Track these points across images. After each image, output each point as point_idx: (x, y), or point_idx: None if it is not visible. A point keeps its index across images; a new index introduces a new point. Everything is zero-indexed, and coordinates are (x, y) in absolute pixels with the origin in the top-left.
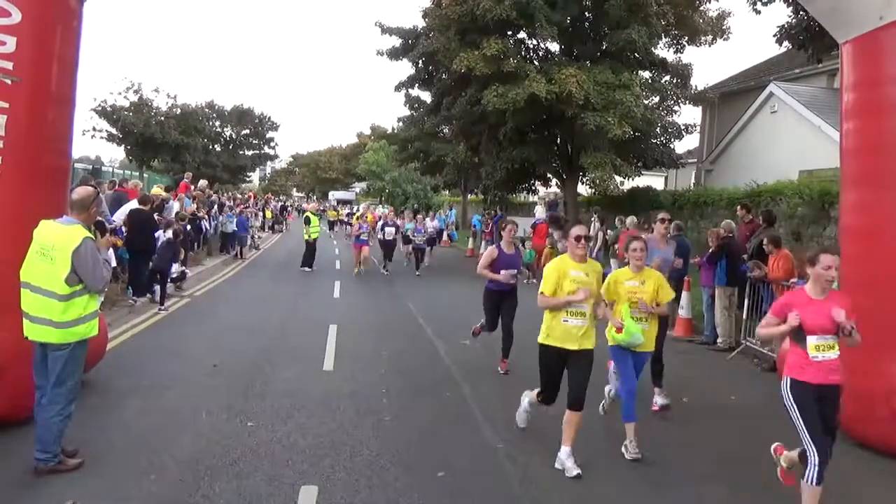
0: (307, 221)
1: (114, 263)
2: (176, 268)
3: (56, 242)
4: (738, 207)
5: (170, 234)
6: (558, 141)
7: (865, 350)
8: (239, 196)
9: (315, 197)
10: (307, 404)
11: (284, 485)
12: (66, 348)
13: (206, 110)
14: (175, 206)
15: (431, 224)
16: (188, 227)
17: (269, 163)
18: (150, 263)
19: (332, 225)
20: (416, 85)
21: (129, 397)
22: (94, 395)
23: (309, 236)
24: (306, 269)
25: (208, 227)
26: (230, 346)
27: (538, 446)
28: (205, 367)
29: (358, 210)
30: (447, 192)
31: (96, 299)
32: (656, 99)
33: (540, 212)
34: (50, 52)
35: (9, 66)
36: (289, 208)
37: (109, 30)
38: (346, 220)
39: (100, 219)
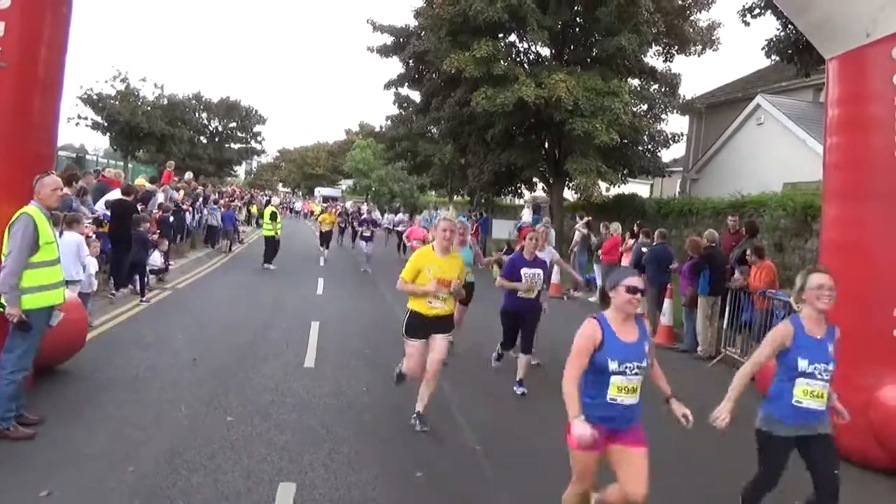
0: (273, 217)
1: (95, 268)
2: (159, 259)
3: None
4: (730, 217)
5: (146, 225)
6: (546, 145)
7: (845, 363)
8: (225, 189)
9: (301, 193)
10: (287, 400)
11: (263, 480)
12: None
13: (193, 102)
14: (160, 196)
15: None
16: (171, 218)
17: (255, 157)
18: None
19: (324, 238)
20: (406, 84)
21: (108, 389)
22: (73, 385)
23: (276, 233)
24: (270, 266)
25: (191, 220)
26: (211, 339)
27: (516, 449)
28: (185, 360)
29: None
30: (433, 193)
31: (46, 275)
32: (644, 107)
33: (527, 215)
34: (38, 38)
35: None
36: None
37: (97, 16)
38: (358, 226)
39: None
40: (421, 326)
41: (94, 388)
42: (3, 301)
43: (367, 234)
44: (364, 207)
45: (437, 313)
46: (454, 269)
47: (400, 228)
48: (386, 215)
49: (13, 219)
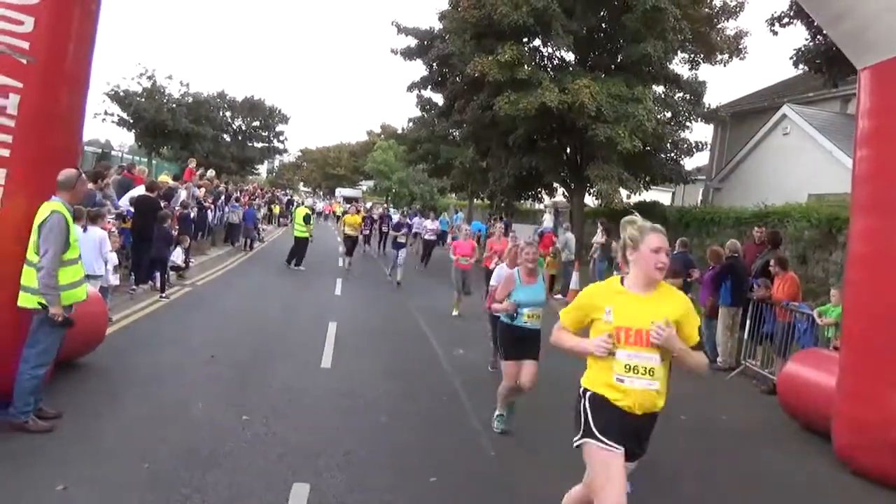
0: (307, 220)
1: (115, 261)
2: (180, 256)
3: (37, 217)
4: (756, 228)
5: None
6: (567, 150)
7: (866, 377)
8: (247, 188)
9: (322, 193)
10: (303, 401)
11: (277, 480)
12: (39, 312)
13: (218, 100)
14: (182, 193)
15: None
16: (192, 215)
17: (277, 156)
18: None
19: (351, 246)
20: (429, 86)
21: (127, 384)
22: (92, 379)
23: (310, 235)
24: (300, 267)
25: (212, 217)
26: (229, 337)
27: (533, 456)
28: (203, 357)
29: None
30: (454, 196)
31: (72, 273)
32: (668, 114)
33: (548, 220)
34: (66, 33)
35: (25, 45)
36: (298, 203)
37: (125, 14)
38: (393, 230)
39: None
40: (614, 426)
41: (112, 384)
42: (41, 300)
43: (402, 239)
44: (394, 212)
45: (632, 403)
46: (659, 312)
47: (428, 237)
48: (416, 218)
49: (44, 216)
